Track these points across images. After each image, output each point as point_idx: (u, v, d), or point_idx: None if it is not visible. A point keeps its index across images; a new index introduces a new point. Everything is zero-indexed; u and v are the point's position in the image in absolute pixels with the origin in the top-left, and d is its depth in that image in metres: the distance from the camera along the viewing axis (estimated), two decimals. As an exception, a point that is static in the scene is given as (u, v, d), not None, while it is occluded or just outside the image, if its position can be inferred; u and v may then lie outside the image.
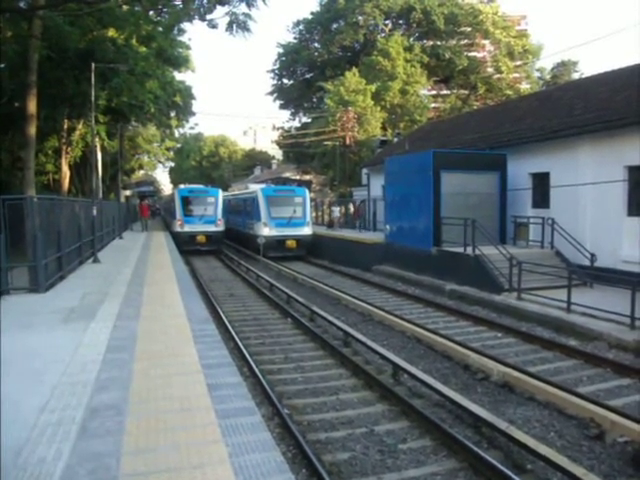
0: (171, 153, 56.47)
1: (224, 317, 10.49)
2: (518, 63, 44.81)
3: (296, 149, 46.72)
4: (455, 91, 46.75)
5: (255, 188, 25.54)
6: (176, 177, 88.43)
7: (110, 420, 3.92)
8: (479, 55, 46.39)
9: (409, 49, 42.28)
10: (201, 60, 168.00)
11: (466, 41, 45.78)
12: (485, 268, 12.37)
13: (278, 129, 56.45)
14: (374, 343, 8.13)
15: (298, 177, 48.29)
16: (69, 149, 26.08)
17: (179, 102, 28.89)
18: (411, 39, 45.05)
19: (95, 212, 15.45)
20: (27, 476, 3.13)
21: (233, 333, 9.21)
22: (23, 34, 16.84)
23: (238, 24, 14.95)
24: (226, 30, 15.05)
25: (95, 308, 7.96)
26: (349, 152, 36.08)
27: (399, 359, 7.27)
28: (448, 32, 44.33)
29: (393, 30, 45.39)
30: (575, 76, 42.65)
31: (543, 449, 4.65)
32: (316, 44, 49.59)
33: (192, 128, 49.78)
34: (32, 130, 16.15)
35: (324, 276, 17.33)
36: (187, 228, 23.72)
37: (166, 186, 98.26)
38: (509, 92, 43.23)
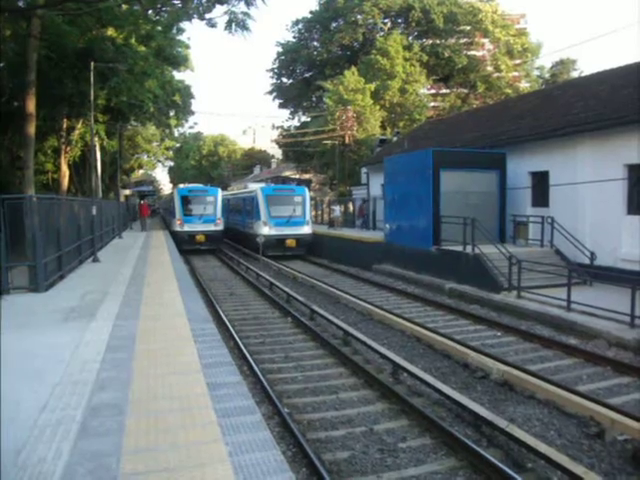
0: (170, 152, 56.57)
1: (224, 316, 10.49)
2: (517, 62, 44.80)
3: (295, 148, 46.67)
4: (454, 90, 46.65)
5: (254, 187, 25.50)
6: (175, 176, 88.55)
7: (110, 419, 3.91)
8: (478, 54, 46.26)
9: (408, 48, 42.26)
10: (200, 59, 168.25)
11: (465, 40, 45.69)
12: (485, 267, 12.37)
13: (277, 128, 56.50)
14: (374, 342, 8.14)
15: (297, 176, 48.35)
16: (68, 148, 26.04)
17: (178, 101, 28.93)
18: (410, 38, 45.02)
19: (94, 211, 15.41)
20: (27, 476, 3.12)
21: (233, 332, 9.21)
22: (22, 33, 16.85)
23: (237, 23, 14.95)
24: (225, 29, 15.07)
25: (95, 307, 7.95)
26: (348, 151, 36.04)
27: (399, 358, 7.28)
28: (447, 31, 44.26)
29: (392, 29, 45.33)
30: (574, 74, 42.68)
31: (543, 447, 4.66)
32: (315, 43, 49.54)
33: (191, 127, 50.08)
34: (31, 129, 16.16)
35: (324, 275, 17.34)
36: (187, 227, 23.73)
37: (165, 185, 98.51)
38: (508, 91, 43.17)
